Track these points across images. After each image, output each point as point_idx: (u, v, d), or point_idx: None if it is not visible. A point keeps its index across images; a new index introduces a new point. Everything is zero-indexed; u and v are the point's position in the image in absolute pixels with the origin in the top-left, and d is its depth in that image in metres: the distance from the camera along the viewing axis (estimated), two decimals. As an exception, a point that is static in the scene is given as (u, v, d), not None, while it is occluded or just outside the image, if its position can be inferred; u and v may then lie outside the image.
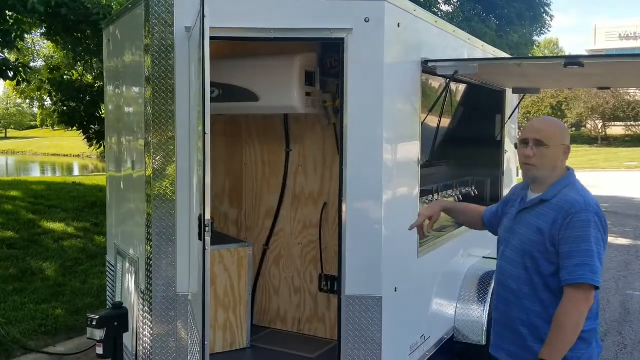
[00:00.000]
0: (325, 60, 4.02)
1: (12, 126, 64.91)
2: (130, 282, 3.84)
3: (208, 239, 2.87)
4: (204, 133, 2.92)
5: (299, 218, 4.41)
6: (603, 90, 34.14)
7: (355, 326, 3.39)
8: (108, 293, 4.46)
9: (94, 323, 3.18)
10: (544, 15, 13.58)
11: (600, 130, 37.16)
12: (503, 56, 5.59)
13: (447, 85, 4.00)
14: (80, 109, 7.40)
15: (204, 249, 2.87)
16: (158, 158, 3.35)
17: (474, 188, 5.46)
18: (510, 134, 6.21)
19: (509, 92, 5.95)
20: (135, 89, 3.71)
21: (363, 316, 3.41)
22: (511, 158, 6.40)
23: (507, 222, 2.62)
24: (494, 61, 3.80)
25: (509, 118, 6.04)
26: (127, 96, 3.95)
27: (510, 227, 2.58)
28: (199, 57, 2.90)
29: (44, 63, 11.62)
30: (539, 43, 23.01)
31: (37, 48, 12.76)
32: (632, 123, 36.56)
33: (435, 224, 2.91)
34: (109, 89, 4.46)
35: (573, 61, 3.57)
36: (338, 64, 3.92)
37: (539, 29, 13.57)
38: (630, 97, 35.14)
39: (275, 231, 4.50)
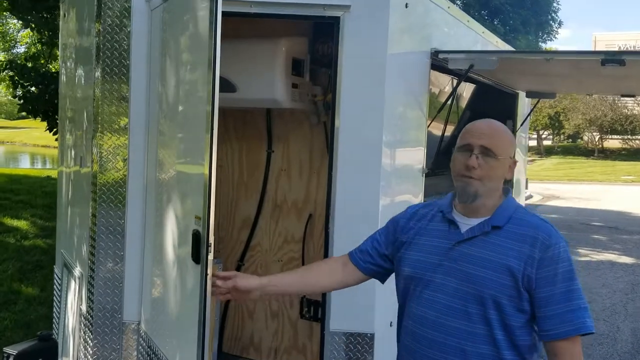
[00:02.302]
0: (316, 45, 3.40)
1: (2, 115, 63.95)
2: (73, 302, 3.20)
3: (210, 257, 2.15)
4: (212, 129, 2.18)
5: (280, 231, 3.79)
6: (603, 100, 33.91)
7: (341, 369, 2.78)
8: (54, 314, 3.82)
9: (10, 361, 2.53)
10: (551, 22, 13.10)
11: (597, 143, 36.87)
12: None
13: (460, 81, 3.39)
14: (44, 97, 6.74)
15: (205, 274, 2.12)
16: (105, 152, 2.72)
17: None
18: (521, 142, 5.64)
19: (521, 96, 5.37)
20: (85, 70, 3.07)
21: (351, 357, 2.79)
22: (521, 169, 5.82)
23: (427, 257, 1.94)
24: (518, 54, 3.20)
25: (521, 125, 5.46)
26: (77, 79, 3.31)
27: (437, 263, 1.91)
28: (209, 35, 2.11)
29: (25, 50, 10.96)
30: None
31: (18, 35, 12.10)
32: (629, 137, 36.28)
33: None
34: (63, 72, 3.82)
35: (613, 58, 2.97)
36: (332, 50, 3.32)
37: (545, 35, 13.08)
38: (628, 110, 34.87)
39: (252, 245, 3.87)
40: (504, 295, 1.80)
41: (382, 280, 2.13)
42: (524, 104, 5.55)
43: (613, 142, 36.92)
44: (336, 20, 2.80)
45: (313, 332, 3.61)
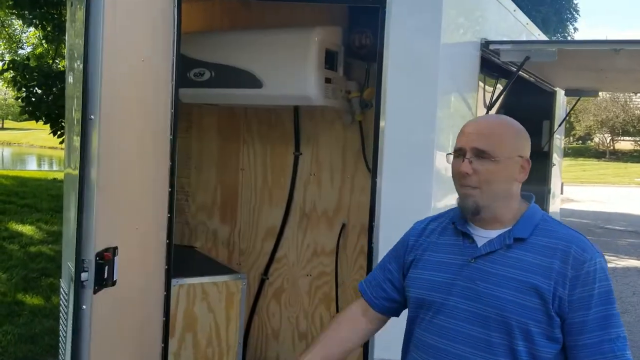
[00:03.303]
0: (352, 36, 3.05)
1: (9, 117, 63.97)
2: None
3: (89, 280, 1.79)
4: (174, 129, 1.94)
5: (308, 242, 3.43)
6: (615, 101, 33.41)
7: (387, 405, 2.42)
8: (60, 330, 3.47)
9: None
10: (571, 20, 12.74)
11: (609, 145, 36.41)
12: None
13: (515, 75, 3.03)
14: (47, 99, 6.39)
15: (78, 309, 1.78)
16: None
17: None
18: (556, 144, 5.27)
19: (560, 94, 5.00)
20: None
21: (397, 389, 2.43)
22: (558, 173, 5.44)
23: (438, 276, 1.63)
24: (581, 45, 2.84)
25: (559, 125, 5.09)
26: (76, 73, 2.98)
27: (450, 283, 1.60)
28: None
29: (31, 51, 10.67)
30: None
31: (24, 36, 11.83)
32: (642, 138, 35.88)
33: None
34: (69, 72, 3.47)
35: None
36: (370, 41, 2.97)
37: (566, 34, 12.71)
38: (640, 111, 34.47)
39: (277, 257, 3.51)
40: (532, 321, 1.50)
41: (397, 314, 1.78)
42: (561, 103, 5.19)
43: (625, 144, 36.47)
44: (382, 4, 2.45)
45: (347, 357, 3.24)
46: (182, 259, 3.54)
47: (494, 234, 1.57)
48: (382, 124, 2.51)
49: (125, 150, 2.04)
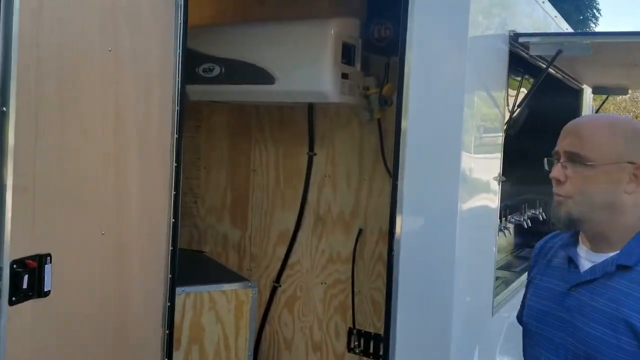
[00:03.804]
0: (371, 27, 2.85)
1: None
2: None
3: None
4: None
5: (323, 248, 3.24)
6: (634, 101, 32.82)
7: None
8: None
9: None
10: (592, 18, 12.44)
11: None
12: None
13: (546, 70, 2.82)
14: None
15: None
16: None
17: (541, 211, 4.29)
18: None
19: (587, 92, 4.76)
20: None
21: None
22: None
23: (539, 303, 1.47)
24: (620, 37, 2.61)
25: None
26: None
27: (547, 311, 1.44)
28: None
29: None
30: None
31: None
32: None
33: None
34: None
35: None
36: (390, 33, 2.78)
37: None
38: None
39: (290, 263, 3.33)
40: None
41: None
42: (588, 102, 4.95)
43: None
44: (404, -9, 2.26)
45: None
46: (190, 265, 3.38)
47: (599, 258, 1.37)
48: (403, 123, 2.32)
49: (70, 149, 1.74)
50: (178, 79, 2.23)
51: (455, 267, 2.34)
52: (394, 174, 2.33)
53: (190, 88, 3.06)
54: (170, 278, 2.33)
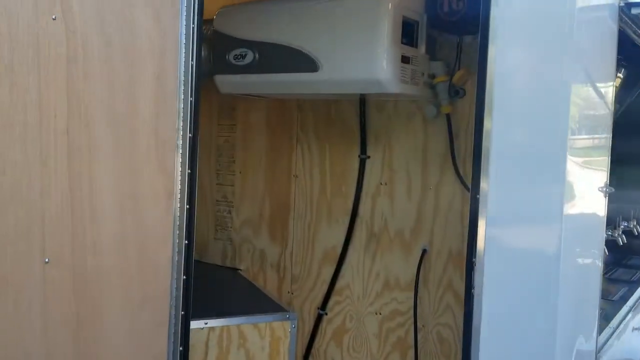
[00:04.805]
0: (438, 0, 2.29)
1: None
2: None
3: None
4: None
5: (378, 270, 2.69)
6: None
7: None
8: None
9: None
10: None
11: None
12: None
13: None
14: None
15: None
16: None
17: (635, 224, 3.63)
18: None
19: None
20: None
21: None
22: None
23: None
24: None
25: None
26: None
27: None
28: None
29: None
30: None
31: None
32: None
33: None
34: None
35: None
36: (463, 5, 2.23)
37: None
38: None
39: (338, 288, 2.80)
40: None
41: None
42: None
43: None
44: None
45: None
46: (220, 286, 2.90)
47: None
48: (487, 122, 1.75)
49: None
50: (190, 59, 1.73)
51: (559, 301, 1.76)
52: (473, 183, 1.76)
53: (219, 79, 2.61)
54: (182, 315, 1.84)
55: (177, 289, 1.78)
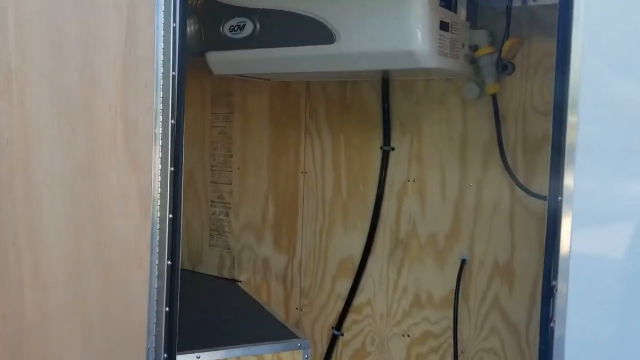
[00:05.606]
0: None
1: None
2: None
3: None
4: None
5: (406, 284, 2.26)
6: None
7: None
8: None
9: None
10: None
11: None
12: None
13: None
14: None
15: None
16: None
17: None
18: None
19: None
20: None
21: None
22: None
23: None
24: None
25: None
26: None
27: None
28: None
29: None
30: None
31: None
32: None
33: None
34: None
35: None
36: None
37: None
38: None
39: (357, 304, 2.37)
40: None
41: None
42: None
43: None
44: None
45: None
46: (215, 304, 2.47)
47: None
48: (571, 119, 1.31)
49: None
50: (172, 19, 1.29)
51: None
52: (552, 181, 1.32)
53: (212, 56, 2.16)
54: (165, 359, 1.41)
55: (158, 324, 1.35)
